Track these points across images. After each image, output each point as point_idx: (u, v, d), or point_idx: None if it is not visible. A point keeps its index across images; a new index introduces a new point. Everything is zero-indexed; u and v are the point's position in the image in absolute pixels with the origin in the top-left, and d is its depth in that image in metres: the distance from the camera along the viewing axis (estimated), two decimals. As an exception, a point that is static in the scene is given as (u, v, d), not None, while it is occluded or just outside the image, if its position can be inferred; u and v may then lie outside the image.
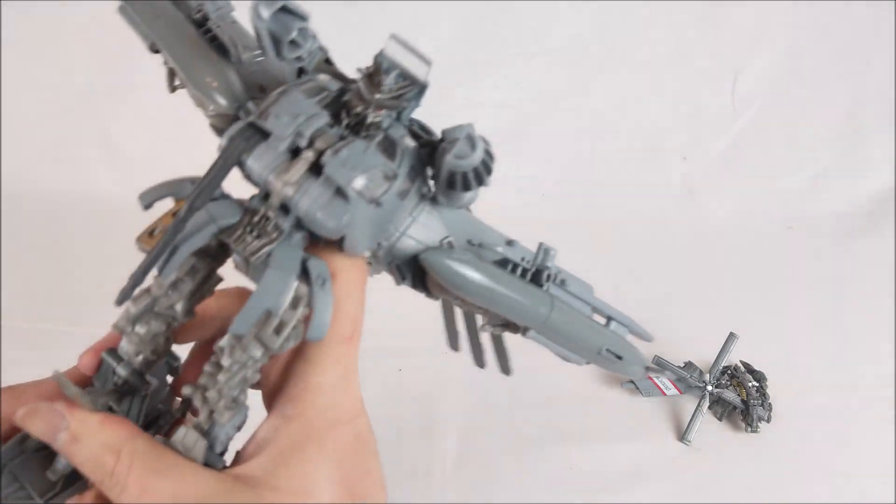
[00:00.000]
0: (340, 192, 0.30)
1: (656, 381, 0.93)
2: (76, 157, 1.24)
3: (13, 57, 1.20)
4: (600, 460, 0.83)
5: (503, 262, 0.36)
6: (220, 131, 0.36)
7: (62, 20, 1.19)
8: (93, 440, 0.30)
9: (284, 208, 0.31)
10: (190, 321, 0.35)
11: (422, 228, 0.35)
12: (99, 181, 1.24)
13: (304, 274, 0.30)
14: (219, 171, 0.30)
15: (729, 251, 1.24)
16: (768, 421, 0.90)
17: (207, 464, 0.30)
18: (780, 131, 1.38)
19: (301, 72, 0.37)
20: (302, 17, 0.35)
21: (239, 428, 0.33)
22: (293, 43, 0.35)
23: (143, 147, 1.22)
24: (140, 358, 0.34)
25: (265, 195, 0.31)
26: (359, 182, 0.30)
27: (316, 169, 0.31)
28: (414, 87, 0.33)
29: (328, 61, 0.39)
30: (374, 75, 0.33)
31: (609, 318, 0.39)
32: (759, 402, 0.90)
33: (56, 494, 0.32)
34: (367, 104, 0.32)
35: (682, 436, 0.88)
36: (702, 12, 1.29)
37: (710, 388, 0.91)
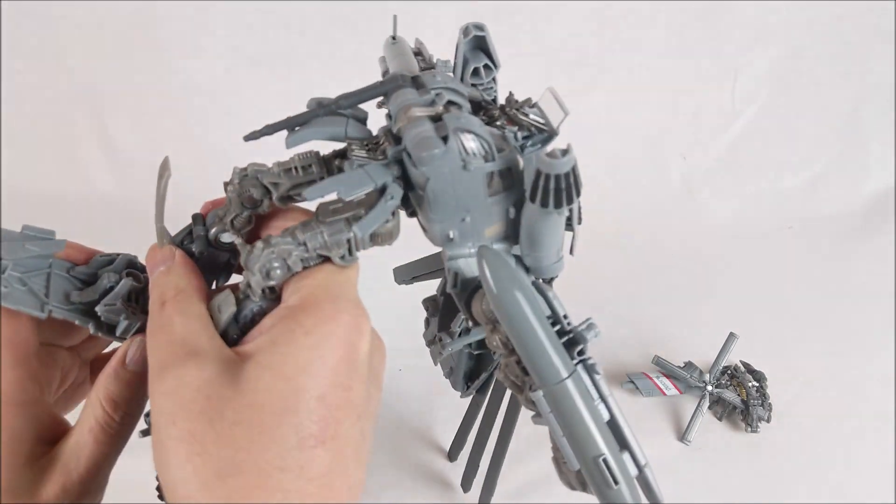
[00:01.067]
0: (444, 138, 0.33)
1: (656, 381, 0.93)
2: (76, 157, 1.25)
3: (13, 57, 1.20)
4: (600, 460, 0.82)
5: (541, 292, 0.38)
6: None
7: (62, 20, 1.19)
8: (173, 276, 0.34)
9: (398, 139, 0.35)
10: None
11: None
12: (98, 181, 1.24)
13: (381, 192, 0.34)
14: (372, 89, 0.35)
15: (729, 251, 1.24)
16: (768, 421, 0.90)
17: (224, 332, 0.33)
18: (780, 131, 1.39)
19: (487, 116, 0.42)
20: (494, 64, 0.42)
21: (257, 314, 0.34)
22: (476, 72, 0.41)
23: (143, 147, 1.22)
24: (224, 222, 0.37)
25: (389, 130, 0.35)
26: (463, 136, 0.33)
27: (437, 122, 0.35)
28: (549, 130, 0.37)
29: (494, 101, 0.43)
30: (519, 102, 0.37)
31: (624, 446, 0.36)
32: (759, 402, 0.90)
33: (60, 310, 0.35)
34: (502, 114, 0.37)
35: (682, 436, 0.88)
36: (702, 12, 1.29)
37: (710, 388, 0.91)
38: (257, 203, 0.37)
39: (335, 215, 0.33)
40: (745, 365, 0.97)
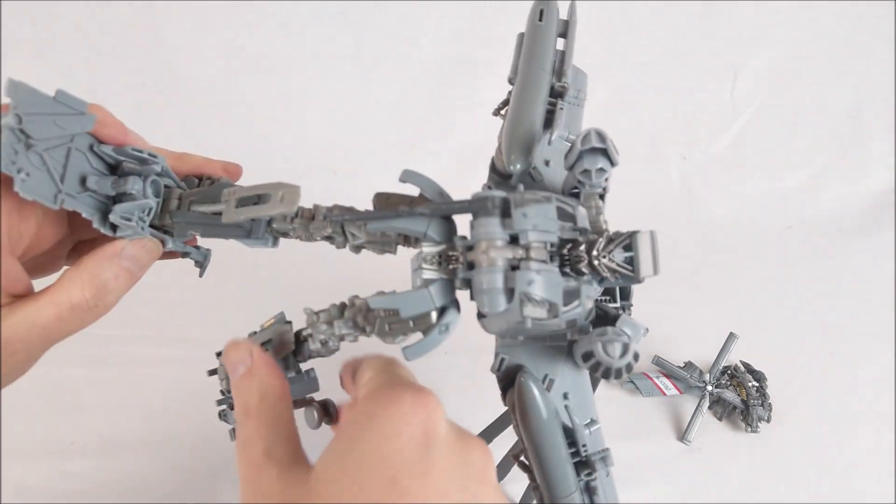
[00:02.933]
0: (511, 294, 0.35)
1: (656, 381, 0.93)
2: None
3: (13, 57, 1.20)
4: (600, 460, 0.83)
5: (569, 432, 0.42)
6: (494, 174, 0.46)
7: (62, 20, 1.19)
8: (255, 381, 0.34)
9: (470, 265, 0.36)
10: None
11: (542, 353, 0.42)
12: (99, 181, 1.24)
13: (441, 312, 0.36)
14: (457, 206, 0.37)
15: (729, 251, 1.24)
16: (768, 421, 0.90)
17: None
18: (780, 131, 1.39)
19: (574, 194, 0.43)
20: (611, 163, 0.41)
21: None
22: (587, 172, 0.41)
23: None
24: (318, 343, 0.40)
25: (469, 247, 0.36)
26: (528, 308, 0.35)
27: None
28: (631, 277, 0.38)
29: (602, 197, 0.44)
30: (611, 242, 0.37)
31: None
32: (759, 402, 0.90)
33: (72, 199, 0.35)
34: (588, 259, 0.37)
35: (682, 436, 0.88)
36: (702, 12, 1.29)
37: (710, 388, 0.91)
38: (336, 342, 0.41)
39: (392, 335, 0.36)
40: (745, 365, 0.97)
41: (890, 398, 0.94)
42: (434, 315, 0.36)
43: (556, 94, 0.48)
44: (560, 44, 0.52)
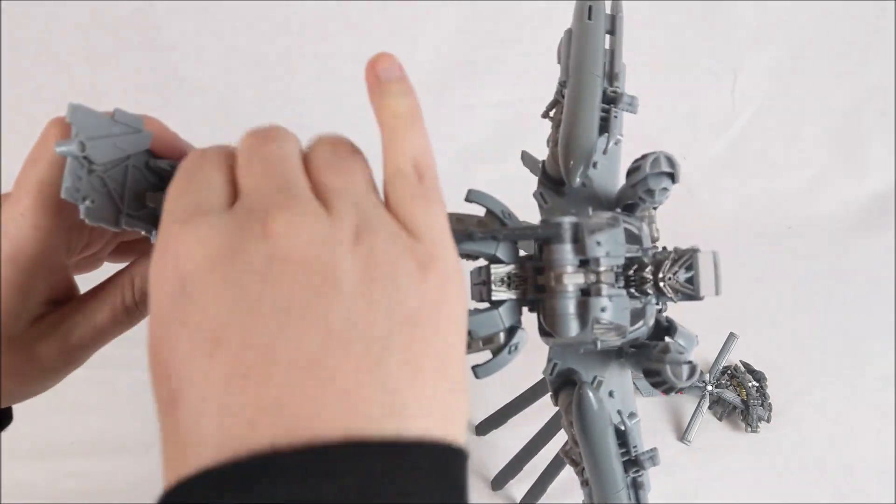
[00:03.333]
0: (582, 319, 0.36)
1: (656, 381, 0.93)
2: (76, 157, 1.24)
3: (13, 57, 1.20)
4: (600, 460, 0.82)
5: (621, 434, 0.45)
6: (546, 179, 0.47)
7: (62, 20, 1.19)
8: None
9: (539, 288, 0.37)
10: None
11: (593, 358, 0.44)
12: (99, 181, 1.24)
13: (509, 332, 0.38)
14: (530, 232, 0.37)
15: (729, 251, 1.24)
16: (768, 421, 0.90)
17: None
18: (780, 131, 1.38)
19: (631, 207, 0.45)
20: (672, 180, 0.43)
21: None
22: (650, 191, 0.43)
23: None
24: None
25: (539, 269, 0.38)
26: (599, 332, 0.37)
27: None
28: (694, 296, 0.39)
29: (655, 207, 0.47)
30: (677, 262, 0.39)
31: None
32: (759, 402, 0.90)
33: (132, 219, 0.33)
34: (654, 280, 0.39)
35: (682, 436, 0.88)
36: (702, 12, 1.29)
37: (710, 388, 0.91)
38: None
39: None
40: (745, 365, 0.97)
41: (890, 398, 0.94)
42: (503, 336, 0.37)
43: (609, 99, 0.48)
44: (607, 41, 0.51)
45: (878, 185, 1.40)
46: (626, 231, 0.39)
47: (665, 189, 0.43)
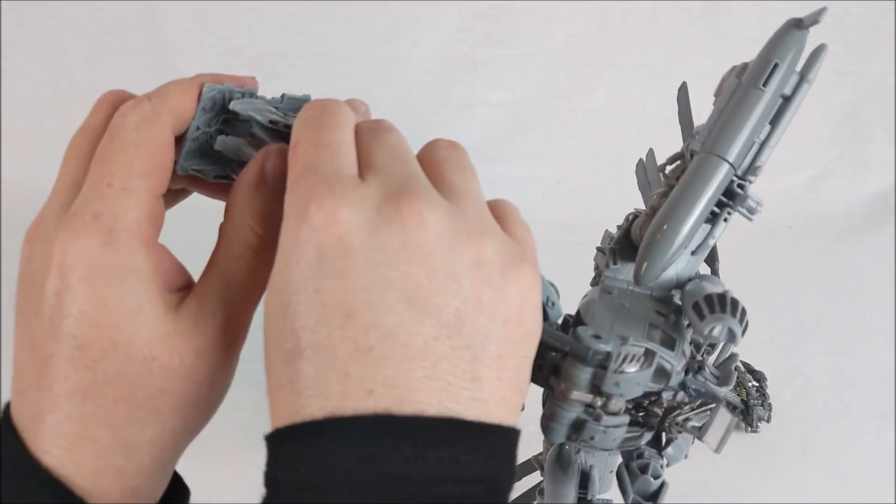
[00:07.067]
0: (572, 430, 0.37)
1: (656, 381, 0.92)
2: (76, 157, 1.24)
3: (13, 57, 1.20)
4: (600, 460, 0.82)
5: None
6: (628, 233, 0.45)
7: (62, 20, 1.19)
8: None
9: (555, 369, 0.37)
10: None
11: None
12: (99, 181, 1.24)
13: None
14: (557, 341, 0.36)
15: (729, 251, 1.24)
16: (768, 421, 0.90)
17: None
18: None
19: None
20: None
21: None
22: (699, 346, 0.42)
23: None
24: None
25: (556, 369, 0.37)
26: (582, 452, 0.39)
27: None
28: (696, 438, 0.39)
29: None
30: (695, 409, 0.39)
31: None
32: (759, 402, 0.90)
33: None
34: (662, 419, 0.39)
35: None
36: (702, 12, 1.29)
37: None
38: None
39: None
40: (745, 365, 0.97)
41: (890, 398, 0.94)
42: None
43: (731, 193, 0.40)
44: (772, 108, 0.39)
45: (879, 184, 1.40)
46: (658, 369, 0.37)
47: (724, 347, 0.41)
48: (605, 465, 0.47)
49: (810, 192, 1.38)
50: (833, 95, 1.38)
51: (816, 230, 1.31)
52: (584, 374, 0.35)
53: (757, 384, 0.93)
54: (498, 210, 0.27)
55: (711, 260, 0.49)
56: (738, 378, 0.93)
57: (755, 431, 0.88)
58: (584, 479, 0.45)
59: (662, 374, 0.38)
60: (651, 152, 0.51)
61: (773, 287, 1.16)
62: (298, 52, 1.23)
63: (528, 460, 0.66)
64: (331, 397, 0.22)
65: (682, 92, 0.45)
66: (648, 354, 0.36)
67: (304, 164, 0.24)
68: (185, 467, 0.32)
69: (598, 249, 0.49)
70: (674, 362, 0.38)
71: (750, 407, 0.89)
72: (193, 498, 0.33)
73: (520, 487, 0.69)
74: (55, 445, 0.25)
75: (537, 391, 0.40)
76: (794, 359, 1.00)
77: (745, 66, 0.42)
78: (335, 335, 0.22)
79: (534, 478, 0.66)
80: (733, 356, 0.47)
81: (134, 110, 0.27)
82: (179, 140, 0.30)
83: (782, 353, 1.00)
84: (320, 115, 0.27)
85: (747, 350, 0.98)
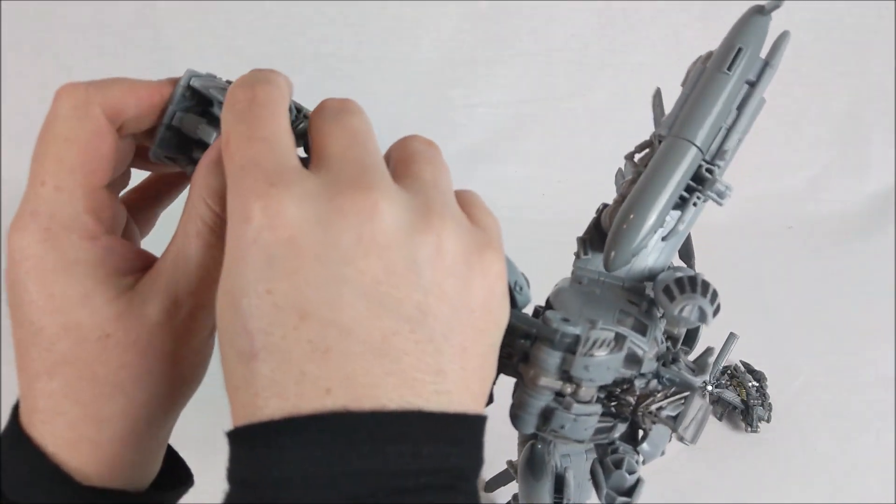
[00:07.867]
0: (542, 418, 0.37)
1: (656, 381, 0.92)
2: (76, 157, 1.24)
3: (13, 57, 1.20)
4: (600, 460, 0.82)
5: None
6: (595, 229, 0.44)
7: (62, 20, 1.19)
8: None
9: (525, 357, 0.36)
10: None
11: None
12: (99, 181, 1.24)
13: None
14: (524, 324, 0.35)
15: (729, 251, 1.24)
16: (768, 421, 0.90)
17: None
18: (780, 131, 1.38)
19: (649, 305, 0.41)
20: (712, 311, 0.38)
21: None
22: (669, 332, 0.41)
23: (143, 147, 1.22)
24: None
25: (525, 356, 0.36)
26: (554, 441, 0.39)
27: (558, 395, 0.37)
28: (671, 429, 0.40)
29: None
30: (668, 398, 0.39)
31: None
32: (759, 402, 0.90)
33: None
34: (634, 408, 0.38)
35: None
36: (702, 12, 1.29)
37: (710, 388, 0.91)
38: None
39: None
40: (745, 365, 0.97)
41: (890, 398, 0.94)
42: None
43: (700, 178, 0.39)
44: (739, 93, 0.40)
45: (879, 185, 1.40)
46: (629, 355, 0.36)
47: (704, 313, 0.39)
48: (582, 473, 0.45)
49: (810, 192, 1.38)
50: (833, 95, 1.38)
51: (816, 230, 1.31)
52: (553, 358, 0.34)
53: (757, 384, 0.93)
54: (461, 199, 0.27)
55: (687, 257, 0.48)
56: (738, 378, 0.93)
57: (755, 431, 0.88)
58: (560, 483, 0.44)
59: (634, 359, 0.36)
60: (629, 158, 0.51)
61: (773, 287, 1.16)
62: (298, 52, 1.23)
63: (505, 469, 0.66)
64: (288, 398, 0.21)
65: (657, 98, 0.45)
66: (619, 339, 0.35)
67: (241, 162, 0.23)
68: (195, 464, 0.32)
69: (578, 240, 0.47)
70: (645, 348, 0.37)
71: (750, 407, 0.89)
72: (197, 497, 0.33)
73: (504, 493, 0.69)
74: (36, 420, 0.27)
75: (510, 388, 0.40)
76: (794, 359, 1.00)
77: (710, 54, 0.42)
78: (290, 336, 0.21)
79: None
80: (710, 349, 0.47)
81: (65, 98, 0.27)
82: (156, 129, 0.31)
83: (782, 353, 1.00)
84: (250, 106, 0.25)
85: (747, 350, 0.98)
